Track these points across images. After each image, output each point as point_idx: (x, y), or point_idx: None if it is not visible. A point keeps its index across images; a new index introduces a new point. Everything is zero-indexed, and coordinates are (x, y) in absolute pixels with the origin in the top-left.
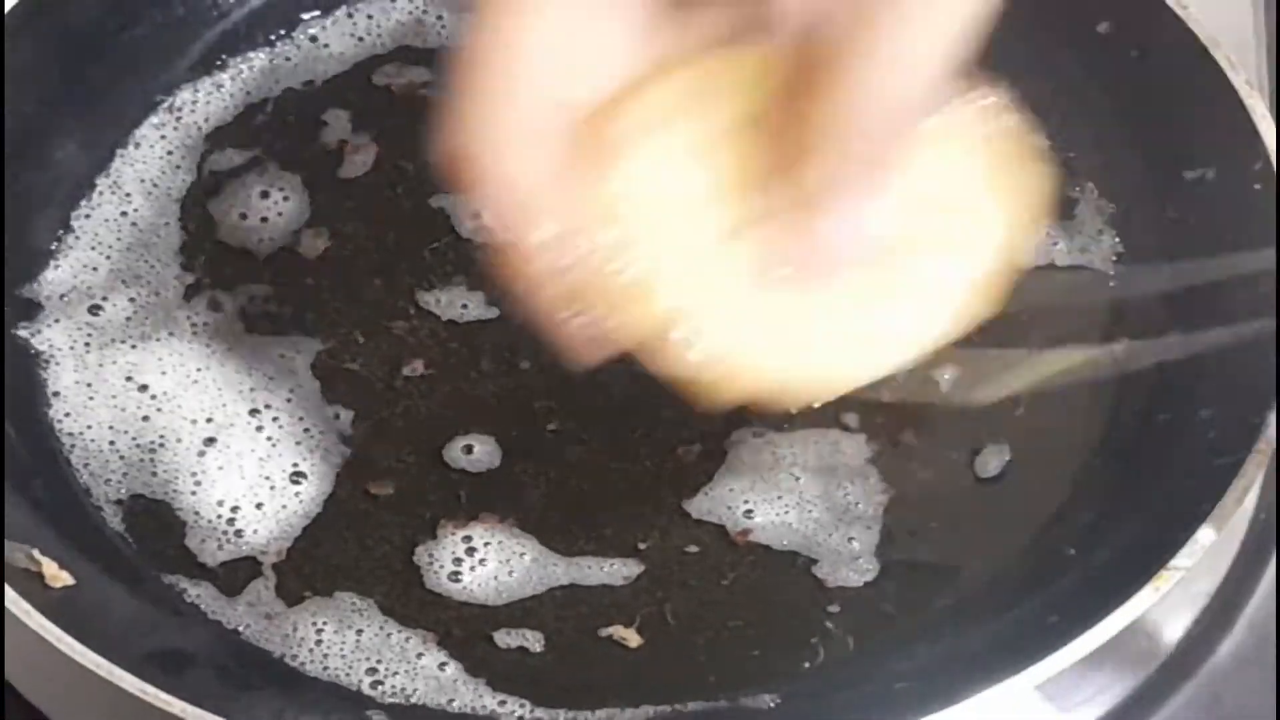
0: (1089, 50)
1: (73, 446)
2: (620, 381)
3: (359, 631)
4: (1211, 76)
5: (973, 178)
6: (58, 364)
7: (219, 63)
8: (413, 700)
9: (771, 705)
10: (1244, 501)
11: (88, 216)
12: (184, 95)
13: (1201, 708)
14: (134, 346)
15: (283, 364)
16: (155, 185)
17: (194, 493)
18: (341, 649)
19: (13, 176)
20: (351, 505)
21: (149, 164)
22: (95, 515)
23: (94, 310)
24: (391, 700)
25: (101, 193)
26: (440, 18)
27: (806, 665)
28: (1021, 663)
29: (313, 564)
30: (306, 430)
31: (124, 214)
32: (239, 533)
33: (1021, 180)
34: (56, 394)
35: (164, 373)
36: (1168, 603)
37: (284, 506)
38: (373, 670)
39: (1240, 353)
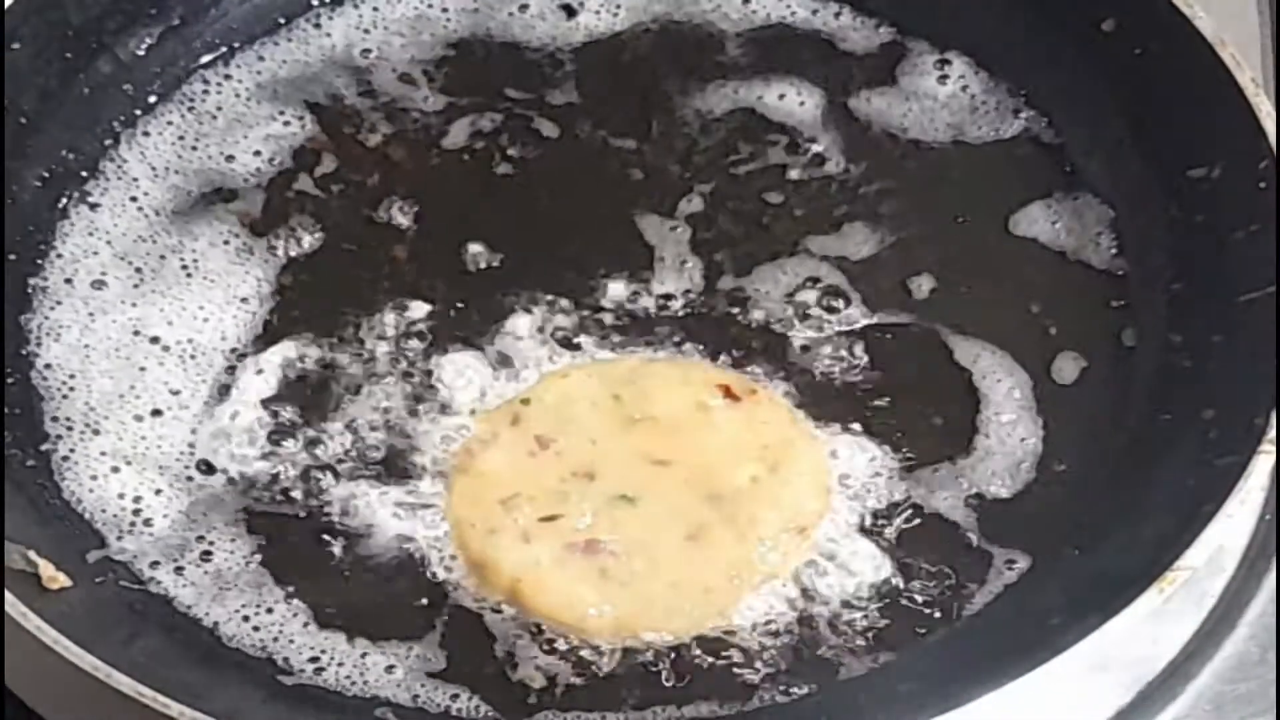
0: (1093, 48)
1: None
2: None
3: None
4: (1216, 75)
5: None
6: (56, 339)
7: (226, 53)
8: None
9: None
10: (1248, 503)
11: (95, 205)
12: (195, 86)
13: (1205, 710)
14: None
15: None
16: (165, 173)
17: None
18: (339, 658)
19: (16, 170)
20: None
21: (160, 151)
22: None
23: (97, 285)
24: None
25: (109, 178)
26: (445, 10)
27: (805, 668)
28: (1025, 666)
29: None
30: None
31: (133, 198)
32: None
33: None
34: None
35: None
36: (1172, 604)
37: None
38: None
39: (1243, 353)
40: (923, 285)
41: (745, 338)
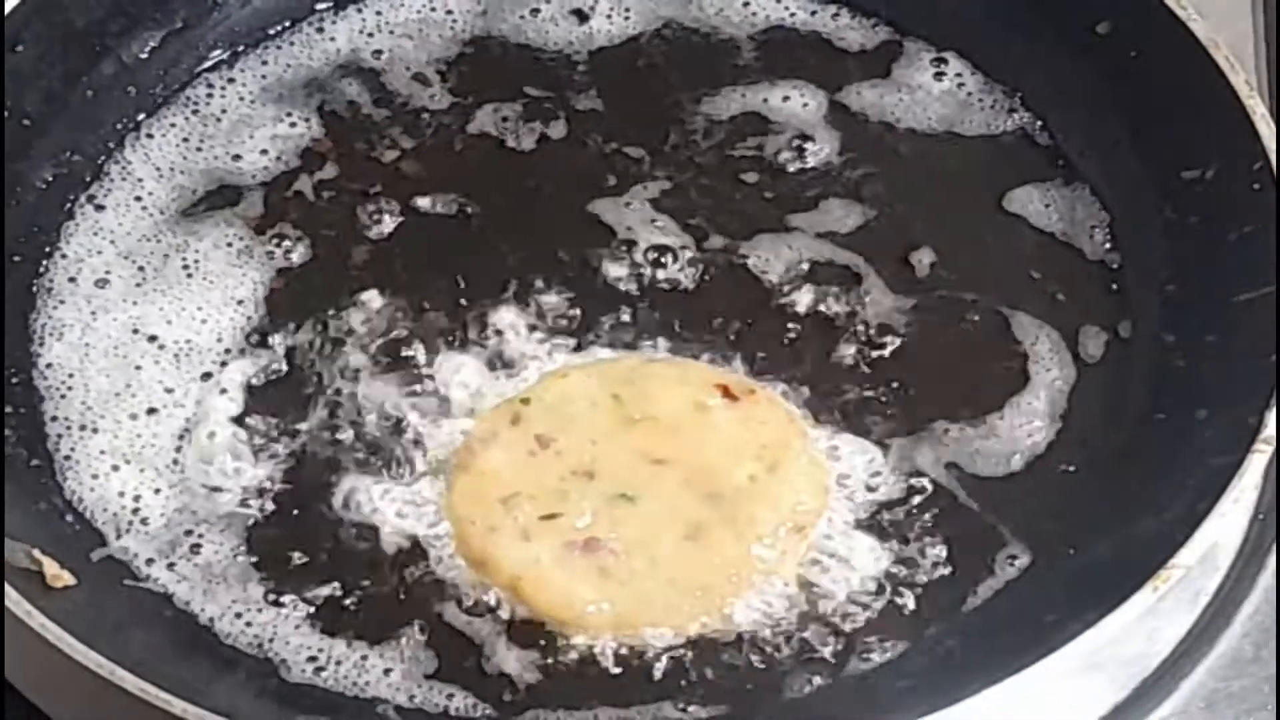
0: (1088, 50)
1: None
2: None
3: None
4: (1210, 77)
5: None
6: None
7: (229, 56)
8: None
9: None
10: (1242, 501)
11: (100, 206)
12: (199, 89)
13: (1199, 707)
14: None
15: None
16: (170, 173)
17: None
18: (338, 659)
19: (21, 172)
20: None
21: (165, 152)
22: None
23: (100, 284)
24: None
25: (114, 179)
26: (450, 12)
27: (803, 665)
28: (1022, 663)
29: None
30: None
31: (138, 198)
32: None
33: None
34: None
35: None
36: (1166, 602)
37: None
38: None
39: (1237, 353)
40: (920, 272)
41: (742, 334)
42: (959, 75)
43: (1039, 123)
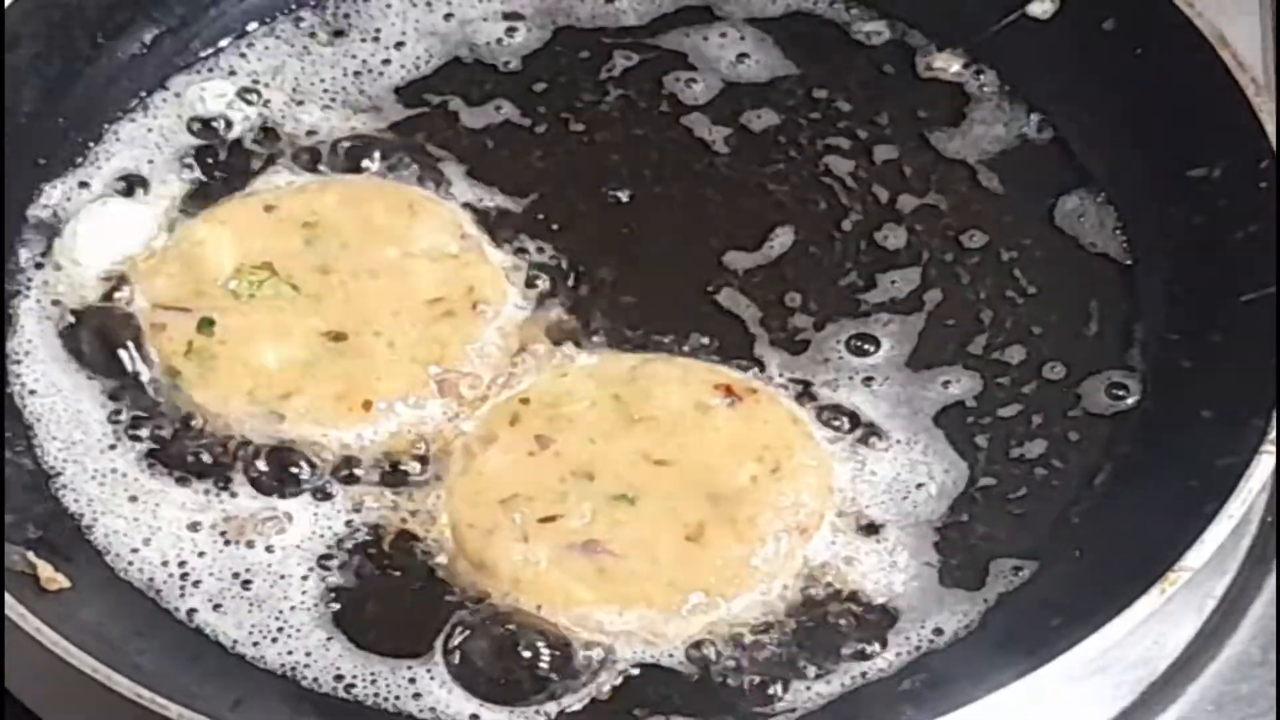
0: (1094, 48)
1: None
2: None
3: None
4: (1217, 75)
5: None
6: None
7: (216, 53)
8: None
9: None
10: (1248, 504)
11: (89, 204)
12: (194, 87)
13: (1207, 710)
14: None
15: None
16: (162, 170)
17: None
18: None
19: (17, 170)
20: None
21: (145, 151)
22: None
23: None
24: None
25: (106, 178)
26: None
27: (805, 668)
28: (1026, 667)
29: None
30: None
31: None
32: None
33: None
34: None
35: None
36: (1172, 605)
37: None
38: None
39: (1243, 354)
40: (925, 279)
41: (744, 332)
42: (962, 73)
43: (1043, 121)
